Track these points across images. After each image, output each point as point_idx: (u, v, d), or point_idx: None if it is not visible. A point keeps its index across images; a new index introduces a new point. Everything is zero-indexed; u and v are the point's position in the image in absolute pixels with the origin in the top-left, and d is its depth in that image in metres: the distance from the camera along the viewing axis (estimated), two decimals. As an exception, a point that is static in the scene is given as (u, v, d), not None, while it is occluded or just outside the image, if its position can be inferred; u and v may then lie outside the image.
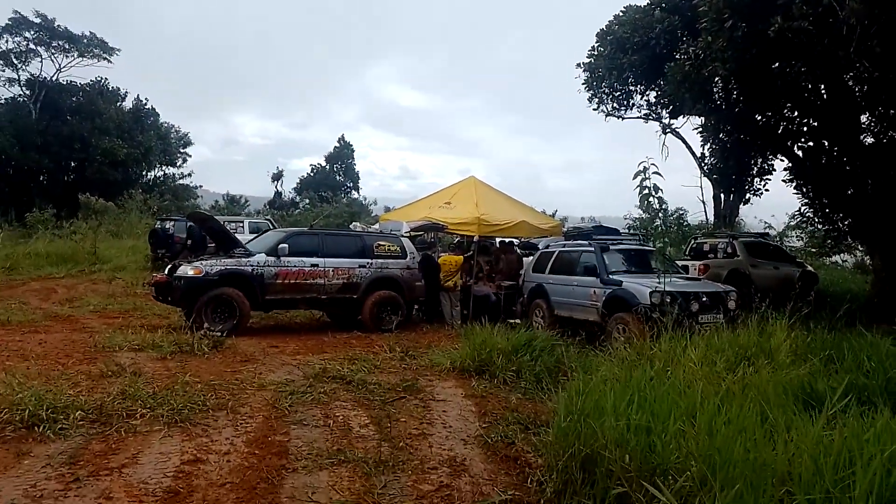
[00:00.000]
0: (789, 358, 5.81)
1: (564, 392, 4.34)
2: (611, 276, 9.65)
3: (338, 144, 56.79)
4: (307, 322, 12.13)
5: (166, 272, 10.17)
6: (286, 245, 10.39)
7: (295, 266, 10.46)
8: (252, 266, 10.15)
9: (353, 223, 19.89)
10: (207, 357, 7.62)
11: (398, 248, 11.60)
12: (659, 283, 8.35)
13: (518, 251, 14.23)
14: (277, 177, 54.91)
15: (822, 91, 11.47)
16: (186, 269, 9.82)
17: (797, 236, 25.96)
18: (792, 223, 25.79)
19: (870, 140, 11.86)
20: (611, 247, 10.42)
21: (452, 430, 5.05)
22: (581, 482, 3.50)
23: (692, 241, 16.10)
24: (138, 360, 7.18)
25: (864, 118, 11.92)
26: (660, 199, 7.26)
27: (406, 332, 10.93)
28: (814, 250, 24.16)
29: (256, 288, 10.11)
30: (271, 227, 18.79)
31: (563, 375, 6.88)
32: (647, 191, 7.25)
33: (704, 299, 8.94)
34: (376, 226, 14.51)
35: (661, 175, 7.14)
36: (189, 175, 43.80)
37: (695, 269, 13.09)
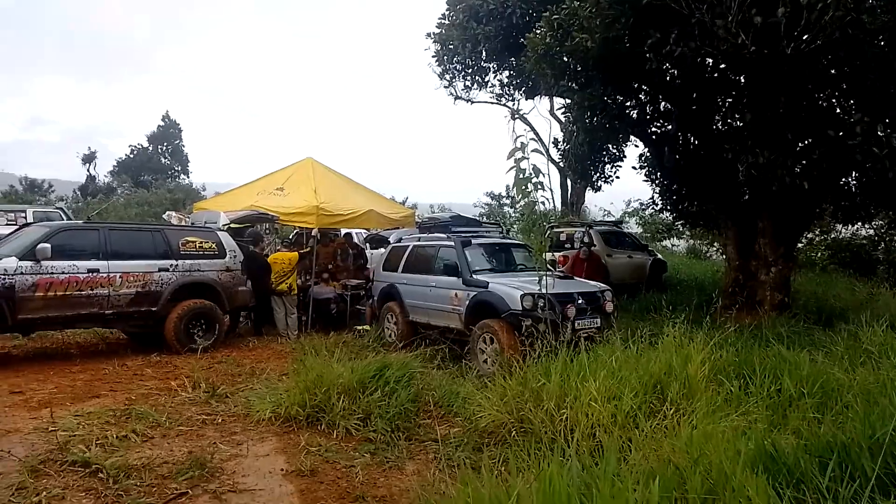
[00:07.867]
0: (705, 385, 4.62)
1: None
2: (475, 276, 8.17)
3: (162, 123, 50.56)
4: (95, 342, 9.35)
5: None
6: (48, 245, 7.64)
7: (63, 273, 7.78)
8: (-4, 274, 7.35)
9: (168, 212, 16.76)
10: None
11: (213, 245, 9.21)
12: (531, 283, 7.00)
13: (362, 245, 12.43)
14: (89, 159, 47.88)
15: (679, 73, 10.84)
16: None
17: (636, 223, 26.98)
18: (630, 210, 26.94)
19: (724, 125, 11.53)
20: (473, 241, 8.94)
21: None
22: None
23: (548, 231, 15.28)
24: None
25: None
26: (540, 184, 5.77)
27: (227, 348, 8.75)
28: (648, 235, 25.16)
29: (3, 304, 7.35)
30: (64, 219, 15.57)
31: (426, 417, 5.22)
32: (524, 173, 5.73)
33: (580, 301, 7.74)
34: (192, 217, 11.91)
35: (542, 152, 5.66)
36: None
37: (557, 263, 12.16)
